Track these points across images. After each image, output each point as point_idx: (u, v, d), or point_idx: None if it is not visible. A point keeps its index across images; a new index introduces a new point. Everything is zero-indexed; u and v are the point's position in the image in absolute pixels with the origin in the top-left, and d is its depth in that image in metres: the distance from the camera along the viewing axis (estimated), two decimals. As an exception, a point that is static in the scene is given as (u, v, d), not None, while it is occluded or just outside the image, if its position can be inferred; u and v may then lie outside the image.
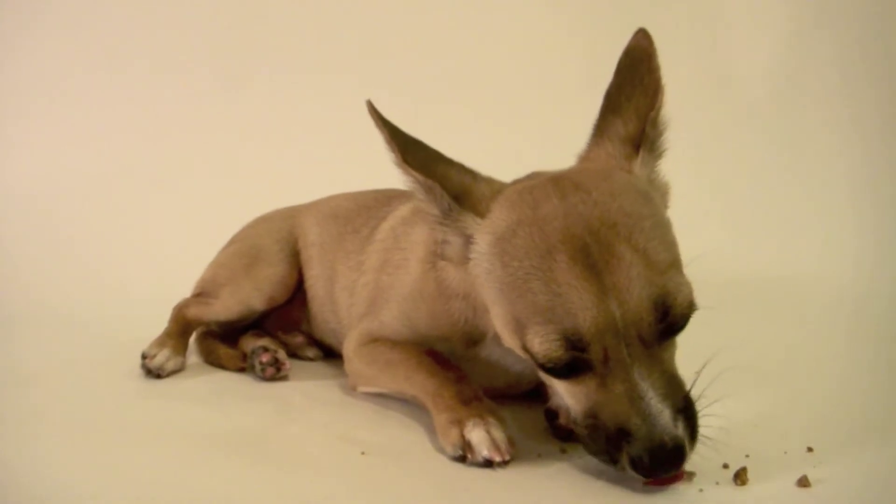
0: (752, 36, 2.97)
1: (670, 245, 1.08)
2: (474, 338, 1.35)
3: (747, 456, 1.15)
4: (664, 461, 1.00)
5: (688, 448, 1.02)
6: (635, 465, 1.01)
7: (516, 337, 1.08)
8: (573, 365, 1.04)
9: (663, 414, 1.00)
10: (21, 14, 3.12)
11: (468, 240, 1.16)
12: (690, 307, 1.04)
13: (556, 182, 1.12)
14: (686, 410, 1.04)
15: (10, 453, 1.29)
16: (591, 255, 1.01)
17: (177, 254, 2.47)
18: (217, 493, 1.12)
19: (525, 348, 1.07)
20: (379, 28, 3.11)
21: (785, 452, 1.17)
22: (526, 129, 2.85)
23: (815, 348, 1.89)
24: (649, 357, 1.03)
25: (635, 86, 1.17)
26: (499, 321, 1.13)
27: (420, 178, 1.16)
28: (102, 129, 3.11)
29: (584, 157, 1.23)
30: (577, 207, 1.06)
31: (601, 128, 1.21)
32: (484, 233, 1.13)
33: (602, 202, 1.06)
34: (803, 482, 1.06)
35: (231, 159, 3.06)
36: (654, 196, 1.15)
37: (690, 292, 1.05)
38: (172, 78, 3.14)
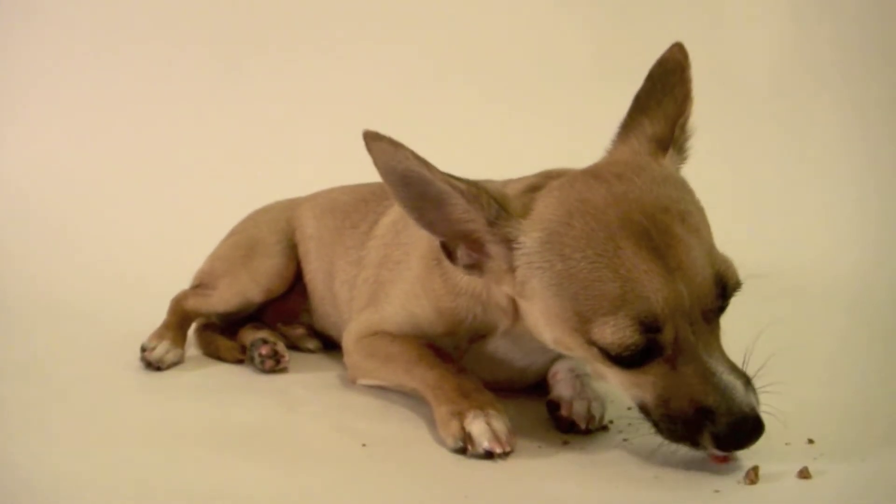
0: (754, 28, 2.97)
1: (709, 228, 1.11)
2: (481, 333, 1.35)
3: (748, 447, 1.16)
4: (748, 432, 1.02)
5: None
6: (720, 441, 1.02)
7: (577, 335, 1.06)
8: (646, 351, 1.03)
9: (737, 386, 1.02)
10: (18, 3, 3.11)
11: (510, 245, 1.11)
12: (739, 283, 1.07)
13: (595, 174, 1.12)
14: (750, 382, 1.06)
15: (10, 445, 1.28)
16: (653, 238, 1.02)
17: (175, 245, 2.47)
18: (217, 485, 1.11)
19: (592, 342, 1.04)
20: (382, 18, 3.10)
21: (786, 444, 1.17)
22: (534, 122, 2.84)
23: (816, 339, 1.89)
24: (710, 334, 1.05)
25: (666, 93, 1.18)
26: (553, 321, 1.10)
27: (464, 187, 1.10)
28: (101, 120, 3.10)
29: (611, 154, 1.22)
30: (627, 195, 1.06)
31: (628, 126, 1.20)
32: (531, 232, 1.09)
33: (649, 189, 1.07)
34: (804, 474, 1.06)
35: (231, 150, 3.06)
36: (688, 185, 1.16)
37: (737, 269, 1.07)
38: (171, 68, 3.13)
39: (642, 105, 1.20)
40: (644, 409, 1.10)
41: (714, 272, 1.03)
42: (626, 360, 1.04)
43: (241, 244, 1.92)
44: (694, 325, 1.02)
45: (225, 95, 3.11)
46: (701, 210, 1.12)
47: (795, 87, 2.88)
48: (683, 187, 1.13)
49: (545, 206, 1.10)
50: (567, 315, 1.06)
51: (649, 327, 1.01)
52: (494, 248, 1.13)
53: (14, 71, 3.11)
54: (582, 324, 1.04)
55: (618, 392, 1.16)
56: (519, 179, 1.30)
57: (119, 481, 1.13)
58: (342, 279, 1.74)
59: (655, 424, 1.09)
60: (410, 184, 1.11)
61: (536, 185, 1.19)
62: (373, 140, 1.09)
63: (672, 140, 1.17)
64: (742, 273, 1.08)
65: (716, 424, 1.01)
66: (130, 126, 3.10)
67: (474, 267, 1.17)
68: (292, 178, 2.22)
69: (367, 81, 3.04)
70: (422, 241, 1.44)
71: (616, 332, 1.01)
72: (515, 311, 1.23)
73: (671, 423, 1.05)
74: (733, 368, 1.05)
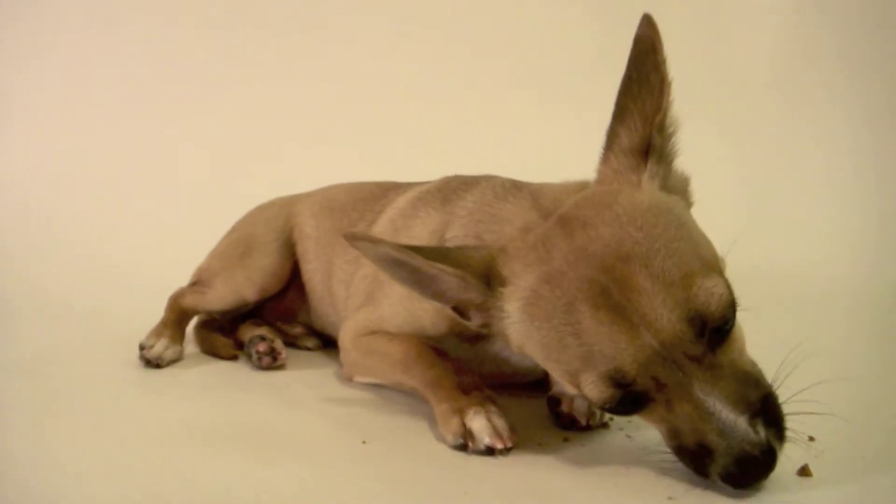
0: (755, 25, 2.97)
1: (695, 249, 1.04)
2: (483, 334, 1.34)
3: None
4: (753, 470, 0.99)
5: (777, 449, 0.99)
6: (725, 479, 1.00)
7: (573, 386, 1.07)
8: (631, 399, 1.03)
9: (738, 424, 0.98)
10: (20, 7, 3.10)
11: (500, 312, 1.12)
12: (728, 308, 1.01)
13: (562, 224, 1.10)
14: (766, 410, 1.01)
15: (8, 443, 1.28)
16: (612, 295, 1.00)
17: (174, 243, 2.47)
18: (217, 483, 1.11)
19: (583, 395, 1.06)
20: (385, 15, 3.10)
21: (786, 441, 1.17)
22: (535, 121, 2.84)
23: (817, 337, 1.89)
24: (708, 369, 1.00)
25: (642, 83, 1.11)
26: (555, 374, 1.12)
27: (450, 270, 1.12)
28: (100, 118, 3.10)
29: (597, 177, 1.19)
30: (587, 250, 1.04)
31: (609, 140, 1.16)
32: (511, 301, 1.10)
33: (610, 236, 1.03)
34: (804, 472, 1.07)
35: (230, 148, 3.06)
36: (667, 204, 1.10)
37: (724, 292, 1.01)
38: (171, 65, 3.12)
39: (620, 108, 1.13)
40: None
41: (685, 312, 0.98)
42: (616, 410, 1.06)
43: (238, 242, 1.92)
44: (682, 366, 0.99)
45: (223, 92, 3.11)
46: (679, 238, 1.04)
47: (795, 86, 2.88)
48: (654, 217, 1.05)
49: (521, 272, 1.10)
50: (561, 371, 1.08)
51: (620, 383, 1.01)
52: (488, 315, 1.15)
53: (14, 68, 3.10)
54: (573, 378, 1.05)
55: None
56: (514, 214, 1.27)
57: (119, 479, 1.13)
58: (340, 278, 1.74)
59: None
60: (404, 268, 1.14)
61: (529, 225, 1.18)
62: (353, 240, 1.17)
63: (650, 147, 1.11)
64: (736, 295, 1.04)
65: (716, 464, 1.00)
66: (129, 123, 3.09)
67: (487, 325, 1.17)
68: (292, 176, 2.22)
69: (369, 80, 3.03)
70: (422, 240, 1.44)
71: (593, 389, 1.02)
72: None
73: (681, 456, 1.05)
74: (738, 402, 0.99)
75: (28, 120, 3.09)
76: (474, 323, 1.18)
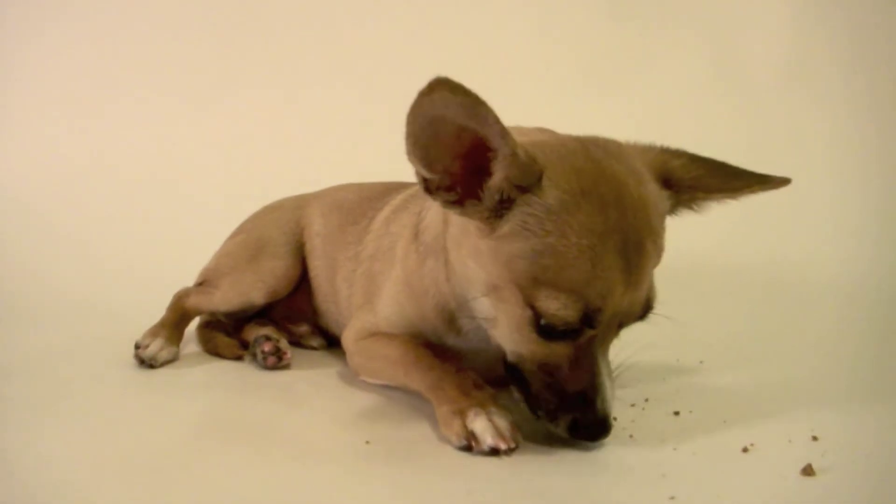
0: (757, 24, 2.96)
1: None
2: (455, 321, 1.37)
3: (752, 444, 1.16)
4: (601, 433, 1.15)
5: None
6: (575, 429, 1.14)
7: (517, 291, 1.12)
8: (569, 332, 1.12)
9: (610, 392, 1.15)
10: (22, 9, 3.10)
11: (529, 201, 1.11)
12: (653, 309, 1.19)
13: (603, 159, 1.14)
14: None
15: (8, 443, 1.28)
16: (629, 251, 1.10)
17: (178, 242, 2.48)
18: (219, 482, 1.11)
19: (531, 304, 1.11)
20: (387, 15, 3.09)
21: (789, 441, 1.18)
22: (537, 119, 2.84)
23: (821, 337, 1.89)
24: (610, 340, 1.18)
25: (725, 175, 1.28)
26: (500, 269, 1.14)
27: (511, 138, 1.08)
28: (104, 116, 3.11)
29: (630, 145, 1.27)
30: (625, 200, 1.11)
31: (664, 148, 1.29)
32: (543, 198, 1.10)
33: (643, 205, 1.13)
34: (808, 471, 1.07)
35: (232, 147, 3.06)
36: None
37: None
38: (178, 63, 3.13)
39: (699, 158, 1.26)
40: (517, 369, 1.20)
41: (651, 293, 1.17)
42: (548, 330, 1.12)
43: (248, 243, 1.91)
44: (609, 329, 1.15)
45: (228, 90, 3.11)
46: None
47: (796, 84, 2.87)
48: (663, 216, 1.20)
49: (561, 174, 1.11)
50: (524, 273, 1.11)
51: (588, 318, 1.10)
52: (495, 199, 1.13)
53: (17, 68, 3.11)
54: (532, 286, 1.11)
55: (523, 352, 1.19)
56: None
57: (119, 479, 1.13)
58: (342, 275, 1.75)
59: (523, 387, 1.19)
60: (447, 123, 1.07)
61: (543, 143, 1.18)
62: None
63: (677, 195, 1.22)
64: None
65: (585, 415, 1.13)
66: (131, 122, 3.10)
67: (455, 203, 1.17)
68: (296, 175, 2.22)
69: (372, 79, 3.03)
70: (408, 228, 1.48)
71: (561, 308, 1.09)
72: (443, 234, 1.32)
73: (547, 392, 1.16)
74: (610, 375, 1.17)
75: (29, 119, 3.10)
76: (443, 198, 1.15)
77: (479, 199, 1.15)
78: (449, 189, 1.15)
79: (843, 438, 1.19)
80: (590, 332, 1.13)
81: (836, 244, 2.52)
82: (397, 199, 1.68)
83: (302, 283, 1.90)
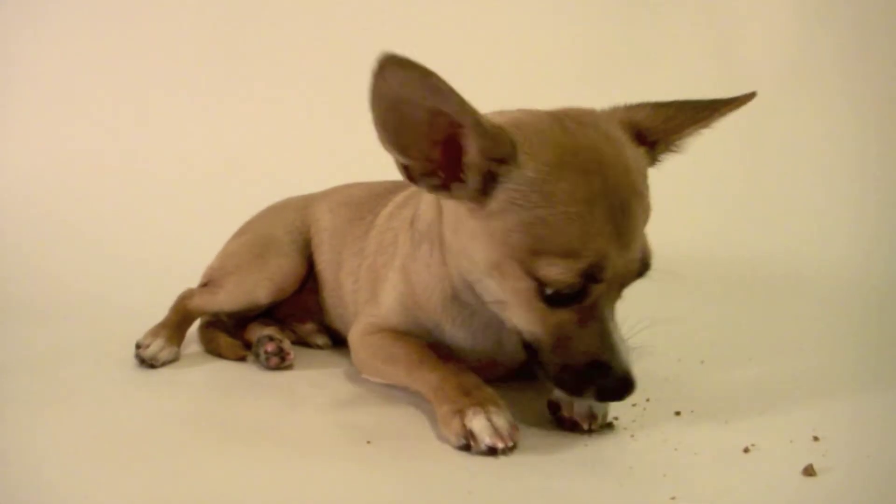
0: (759, 22, 2.96)
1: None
2: (448, 308, 1.39)
3: (753, 444, 1.15)
4: (627, 388, 1.15)
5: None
6: (603, 394, 1.16)
7: (517, 265, 1.14)
8: (573, 295, 1.13)
9: (626, 349, 1.16)
10: (22, 8, 3.11)
11: (497, 178, 1.14)
12: (650, 266, 1.20)
13: (579, 128, 1.17)
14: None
15: (9, 443, 1.28)
16: (617, 211, 1.12)
17: (177, 242, 2.48)
18: (220, 482, 1.12)
19: (532, 274, 1.13)
20: (388, 14, 3.09)
21: (791, 441, 1.17)
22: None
23: (823, 337, 1.89)
24: (615, 300, 1.19)
25: (691, 108, 1.28)
26: (498, 246, 1.16)
27: (486, 122, 1.11)
28: (105, 115, 3.10)
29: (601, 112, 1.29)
30: (607, 163, 1.13)
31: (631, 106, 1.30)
32: (524, 171, 1.13)
33: (625, 167, 1.15)
34: (809, 471, 1.06)
35: (234, 147, 3.06)
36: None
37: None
38: (183, 59, 3.13)
39: (661, 104, 1.26)
40: (535, 349, 1.20)
41: (646, 252, 1.19)
42: (555, 298, 1.14)
43: (254, 242, 1.91)
44: (612, 290, 1.17)
45: (235, 90, 3.11)
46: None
47: (794, 83, 2.87)
48: (644, 175, 1.22)
49: (539, 147, 1.14)
50: (520, 246, 1.13)
51: (590, 277, 1.12)
52: (477, 178, 1.15)
53: (18, 66, 3.11)
54: (530, 257, 1.12)
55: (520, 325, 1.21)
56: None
57: (120, 479, 1.13)
58: (348, 270, 1.76)
59: (544, 367, 1.20)
60: (419, 106, 1.09)
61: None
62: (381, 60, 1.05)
63: (653, 145, 1.24)
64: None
65: (607, 379, 1.14)
66: (132, 121, 3.10)
67: (441, 187, 1.19)
68: (298, 175, 2.22)
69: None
70: (405, 222, 1.50)
71: (562, 272, 1.11)
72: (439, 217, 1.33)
73: (564, 371, 1.17)
74: (620, 335, 1.18)
75: (29, 118, 3.09)
76: (426, 183, 1.18)
77: (462, 181, 1.17)
78: (432, 174, 1.18)
79: (845, 439, 1.19)
80: (596, 291, 1.14)
81: (840, 244, 2.51)
82: (401, 196, 1.69)
83: (308, 282, 1.90)
